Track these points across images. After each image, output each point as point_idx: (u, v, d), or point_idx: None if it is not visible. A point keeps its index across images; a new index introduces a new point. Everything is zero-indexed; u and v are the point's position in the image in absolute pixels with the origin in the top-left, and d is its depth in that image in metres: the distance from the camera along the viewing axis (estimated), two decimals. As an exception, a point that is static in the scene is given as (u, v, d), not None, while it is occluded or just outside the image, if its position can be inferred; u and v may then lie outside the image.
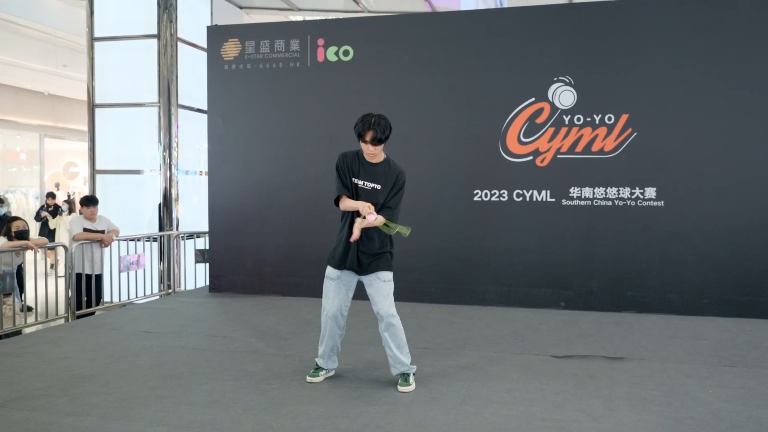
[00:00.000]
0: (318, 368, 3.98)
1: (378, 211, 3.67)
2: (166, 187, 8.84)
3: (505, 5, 10.25)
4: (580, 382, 3.95)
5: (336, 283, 3.83)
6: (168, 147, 8.81)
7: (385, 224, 3.67)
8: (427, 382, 3.92)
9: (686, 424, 3.26)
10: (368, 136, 3.63)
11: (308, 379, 3.94)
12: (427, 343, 4.88)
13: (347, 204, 3.72)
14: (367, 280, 3.82)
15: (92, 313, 6.71)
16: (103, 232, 7.04)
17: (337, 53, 6.74)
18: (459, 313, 6.01)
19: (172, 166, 8.84)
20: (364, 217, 3.59)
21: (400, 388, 3.77)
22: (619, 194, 6.11)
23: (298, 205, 6.79)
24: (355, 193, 3.75)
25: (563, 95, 6.20)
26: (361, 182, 3.75)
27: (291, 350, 4.68)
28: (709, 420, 3.32)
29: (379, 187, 3.74)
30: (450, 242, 6.47)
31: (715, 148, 5.92)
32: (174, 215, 8.88)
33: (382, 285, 3.79)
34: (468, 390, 3.79)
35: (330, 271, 3.86)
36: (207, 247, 7.70)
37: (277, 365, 4.28)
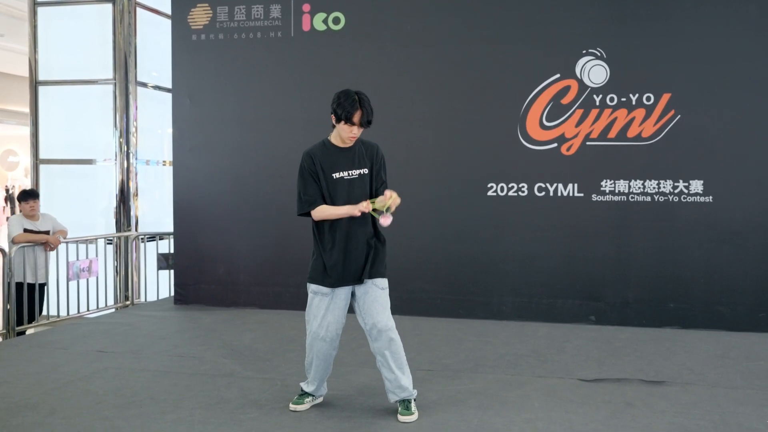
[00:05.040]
0: (303, 394, 3.99)
1: (375, 195, 3.77)
2: (122, 180, 8.82)
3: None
4: (614, 410, 3.96)
5: (330, 299, 3.81)
6: (125, 132, 8.79)
7: (373, 209, 3.73)
8: (433, 410, 3.92)
9: (738, 460, 3.28)
10: (357, 118, 3.65)
11: (291, 407, 3.94)
12: (432, 365, 4.88)
13: (330, 212, 3.73)
14: (361, 288, 3.82)
15: (35, 330, 6.69)
16: (48, 233, 7.03)
17: (325, 21, 6.73)
18: (470, 329, 6.01)
19: (130, 154, 8.83)
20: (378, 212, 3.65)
21: (401, 418, 3.77)
22: (659, 188, 6.12)
23: (280, 201, 6.77)
24: (335, 188, 3.75)
25: (593, 71, 6.20)
26: (345, 173, 3.76)
27: (271, 373, 4.68)
28: (765, 455, 3.34)
29: (366, 171, 3.79)
30: (459, 245, 6.47)
31: (773, 134, 5.94)
32: (132, 213, 8.86)
33: (379, 293, 3.79)
34: (481, 420, 3.79)
35: (319, 286, 3.85)
36: (171, 251, 7.70)
37: (254, 391, 4.28)
